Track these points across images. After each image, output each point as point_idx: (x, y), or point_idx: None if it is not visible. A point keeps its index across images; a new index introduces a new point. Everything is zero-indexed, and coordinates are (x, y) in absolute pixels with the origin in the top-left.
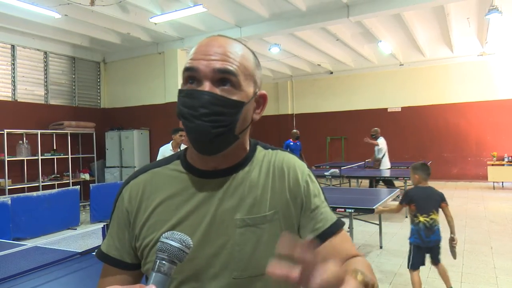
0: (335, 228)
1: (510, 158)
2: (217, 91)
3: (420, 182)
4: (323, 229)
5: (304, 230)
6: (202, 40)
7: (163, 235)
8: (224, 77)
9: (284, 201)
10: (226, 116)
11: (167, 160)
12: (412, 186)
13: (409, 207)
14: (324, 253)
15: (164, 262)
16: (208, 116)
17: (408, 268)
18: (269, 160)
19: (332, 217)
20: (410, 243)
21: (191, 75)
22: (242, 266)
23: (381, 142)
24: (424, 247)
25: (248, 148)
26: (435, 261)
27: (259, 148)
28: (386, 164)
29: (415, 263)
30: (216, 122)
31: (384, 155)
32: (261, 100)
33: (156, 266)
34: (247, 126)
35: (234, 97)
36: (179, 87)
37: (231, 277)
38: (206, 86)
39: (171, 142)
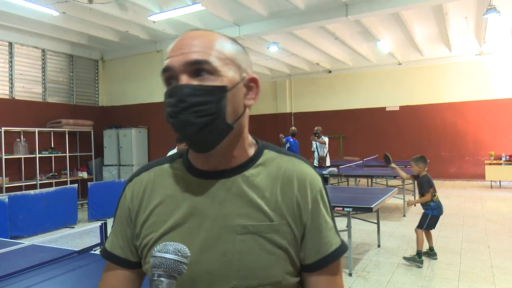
0: (337, 253)
1: (507, 157)
2: (195, 81)
3: (422, 171)
4: (326, 253)
5: (308, 251)
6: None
7: (155, 248)
8: (198, 68)
9: (291, 214)
10: (209, 105)
11: (171, 159)
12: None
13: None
14: (309, 284)
15: (161, 278)
16: (189, 108)
17: (422, 229)
18: (279, 166)
19: (336, 241)
20: (433, 216)
21: (169, 75)
22: (242, 275)
23: (326, 141)
24: (438, 216)
25: (252, 148)
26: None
27: (267, 152)
28: (328, 162)
29: (429, 226)
30: (198, 112)
31: (327, 153)
32: (252, 84)
33: (154, 285)
34: (241, 114)
35: (214, 84)
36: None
37: (230, 286)
38: (183, 80)
39: (176, 147)
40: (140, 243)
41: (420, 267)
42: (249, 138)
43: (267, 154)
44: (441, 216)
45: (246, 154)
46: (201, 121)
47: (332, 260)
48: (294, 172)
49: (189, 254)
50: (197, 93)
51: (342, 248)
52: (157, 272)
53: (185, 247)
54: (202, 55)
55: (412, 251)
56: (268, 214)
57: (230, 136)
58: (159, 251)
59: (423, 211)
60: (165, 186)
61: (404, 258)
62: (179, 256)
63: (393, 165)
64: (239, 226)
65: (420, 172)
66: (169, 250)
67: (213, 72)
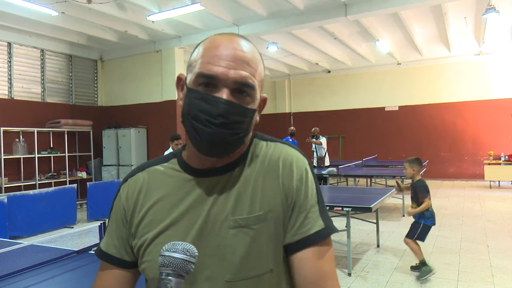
0: (318, 236)
1: (506, 157)
2: (235, 100)
3: (416, 174)
4: (305, 235)
5: (289, 232)
6: (216, 39)
7: (164, 247)
8: (242, 89)
9: (278, 199)
10: (242, 124)
11: (165, 159)
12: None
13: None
14: (293, 266)
15: (170, 277)
16: (227, 125)
17: (413, 239)
18: (265, 153)
19: (319, 224)
20: (426, 225)
21: (208, 81)
22: (235, 268)
23: (323, 141)
24: (431, 226)
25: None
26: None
27: (256, 141)
28: (327, 161)
29: (420, 237)
30: (233, 129)
31: (325, 153)
32: (262, 103)
33: (162, 284)
34: (252, 129)
35: (250, 106)
36: (188, 85)
37: (224, 279)
38: (224, 94)
39: (171, 146)
40: (136, 242)
41: (434, 273)
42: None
43: (256, 143)
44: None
45: (241, 151)
46: (232, 139)
47: (311, 243)
48: (279, 155)
49: (197, 254)
50: (236, 112)
51: (325, 232)
52: (165, 271)
53: (193, 246)
54: (252, 79)
55: (411, 252)
56: (256, 205)
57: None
58: (168, 250)
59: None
60: (160, 185)
61: (417, 278)
62: (187, 255)
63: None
64: (231, 221)
65: (414, 176)
66: (177, 250)
67: (252, 95)
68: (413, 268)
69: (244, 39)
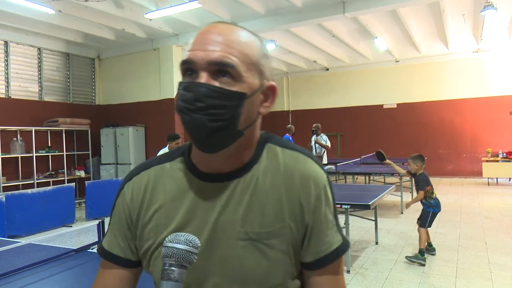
0: (338, 252)
1: (504, 154)
2: (216, 83)
3: (420, 169)
4: (325, 253)
5: (309, 249)
6: (202, 28)
7: (167, 238)
8: (221, 69)
9: (293, 215)
10: (225, 109)
11: (171, 156)
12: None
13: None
14: (310, 284)
15: (173, 268)
16: (205, 109)
17: (424, 227)
18: (281, 162)
19: (337, 239)
20: (433, 213)
21: (189, 67)
22: (243, 280)
23: (325, 139)
24: (438, 213)
25: (255, 146)
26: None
27: (270, 146)
28: (325, 159)
29: (430, 224)
30: (214, 115)
31: (324, 151)
32: (269, 92)
33: (165, 274)
34: (253, 121)
35: (234, 89)
36: (175, 83)
37: None
38: (202, 78)
39: (167, 146)
40: (142, 245)
41: (424, 264)
42: (255, 138)
43: (269, 149)
44: (438, 213)
45: (249, 155)
46: (214, 125)
47: (333, 259)
48: (297, 170)
49: (199, 245)
50: (215, 95)
51: (343, 247)
52: (168, 262)
53: (195, 237)
54: (229, 57)
55: (410, 248)
56: (269, 219)
57: (239, 141)
58: (171, 242)
59: (421, 208)
60: (166, 188)
61: (407, 257)
62: (189, 246)
63: (387, 161)
64: (241, 232)
65: (417, 170)
66: (180, 241)
67: (236, 77)
68: (408, 258)
69: (235, 25)
